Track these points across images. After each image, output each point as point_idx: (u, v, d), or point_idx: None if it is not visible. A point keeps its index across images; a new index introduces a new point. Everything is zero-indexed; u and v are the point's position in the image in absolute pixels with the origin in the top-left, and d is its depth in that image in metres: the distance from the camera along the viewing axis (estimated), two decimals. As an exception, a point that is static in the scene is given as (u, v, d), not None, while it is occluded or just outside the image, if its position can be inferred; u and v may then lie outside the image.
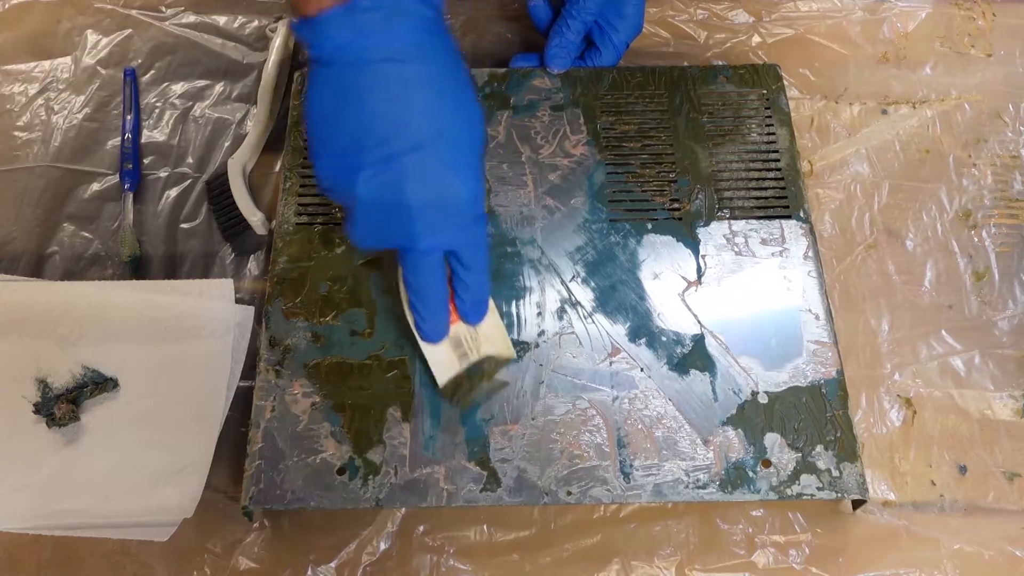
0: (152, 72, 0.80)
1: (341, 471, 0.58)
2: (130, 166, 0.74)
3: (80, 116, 0.78)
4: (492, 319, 0.59)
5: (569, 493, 0.57)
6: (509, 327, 0.63)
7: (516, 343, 0.62)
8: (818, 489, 0.57)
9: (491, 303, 0.59)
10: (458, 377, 0.59)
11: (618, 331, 0.63)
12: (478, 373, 0.59)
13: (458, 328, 0.59)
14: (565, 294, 0.64)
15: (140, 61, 0.80)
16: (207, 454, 0.60)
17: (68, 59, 0.81)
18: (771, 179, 0.69)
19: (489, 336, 0.59)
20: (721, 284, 0.65)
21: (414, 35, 0.50)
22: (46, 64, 0.81)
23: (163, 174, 0.74)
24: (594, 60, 0.75)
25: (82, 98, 0.79)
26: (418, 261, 0.54)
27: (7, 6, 0.84)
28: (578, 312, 0.64)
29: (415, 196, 0.50)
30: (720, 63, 0.79)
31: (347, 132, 0.50)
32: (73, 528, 0.59)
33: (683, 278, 0.65)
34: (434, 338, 0.58)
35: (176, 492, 0.59)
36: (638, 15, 0.74)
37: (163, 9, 0.83)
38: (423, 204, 0.51)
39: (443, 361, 0.59)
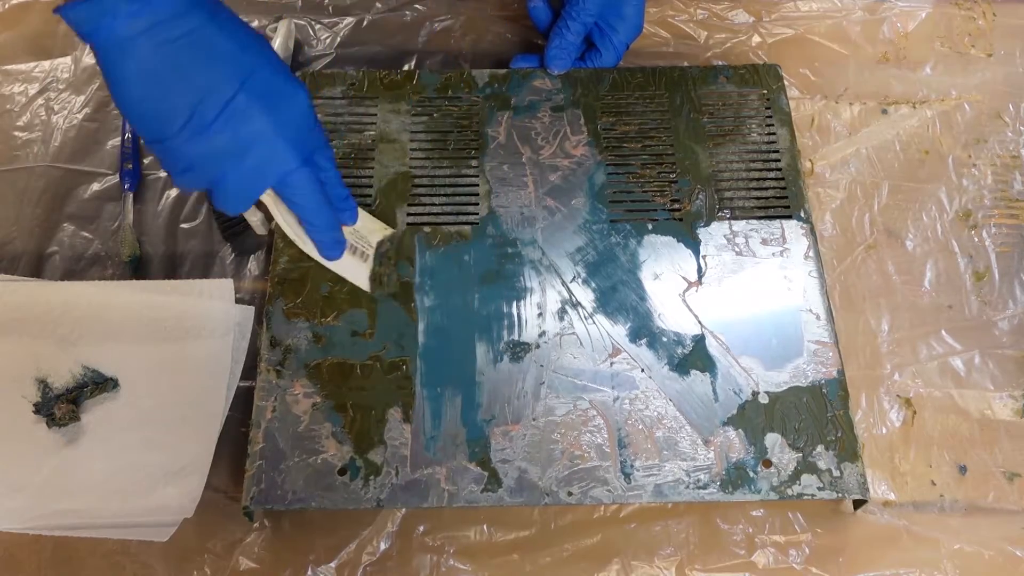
0: (152, 72, 0.80)
1: (342, 471, 0.58)
2: (130, 166, 0.74)
3: (80, 116, 0.77)
4: (360, 211, 0.64)
5: (570, 493, 0.57)
6: (510, 327, 0.63)
7: (516, 343, 0.62)
8: (819, 489, 0.57)
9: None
10: (372, 274, 0.64)
11: (619, 332, 0.63)
12: (382, 258, 0.65)
13: (344, 233, 0.63)
14: (566, 295, 0.64)
15: (140, 61, 0.80)
16: (207, 454, 0.60)
17: (68, 59, 0.81)
18: (771, 179, 0.70)
19: (368, 228, 0.65)
20: (722, 284, 0.65)
21: None
22: (46, 64, 0.81)
23: (163, 174, 0.74)
24: (594, 61, 0.75)
25: (82, 98, 0.78)
26: (300, 180, 0.55)
27: (7, 6, 0.84)
28: (579, 313, 0.64)
29: (269, 122, 0.52)
30: (720, 63, 0.79)
31: (173, 102, 0.50)
32: (73, 528, 0.59)
33: (684, 278, 0.65)
34: (338, 250, 0.62)
35: (176, 492, 0.59)
36: (638, 16, 0.74)
37: (163, 9, 0.83)
38: (276, 126, 0.52)
39: (355, 268, 0.64)
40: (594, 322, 0.63)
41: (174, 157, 0.51)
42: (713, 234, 0.67)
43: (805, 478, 0.58)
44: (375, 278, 0.64)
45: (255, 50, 0.52)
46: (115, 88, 0.50)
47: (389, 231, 0.65)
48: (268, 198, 0.58)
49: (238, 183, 0.53)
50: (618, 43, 0.74)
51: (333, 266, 0.63)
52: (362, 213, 0.64)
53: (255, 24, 0.82)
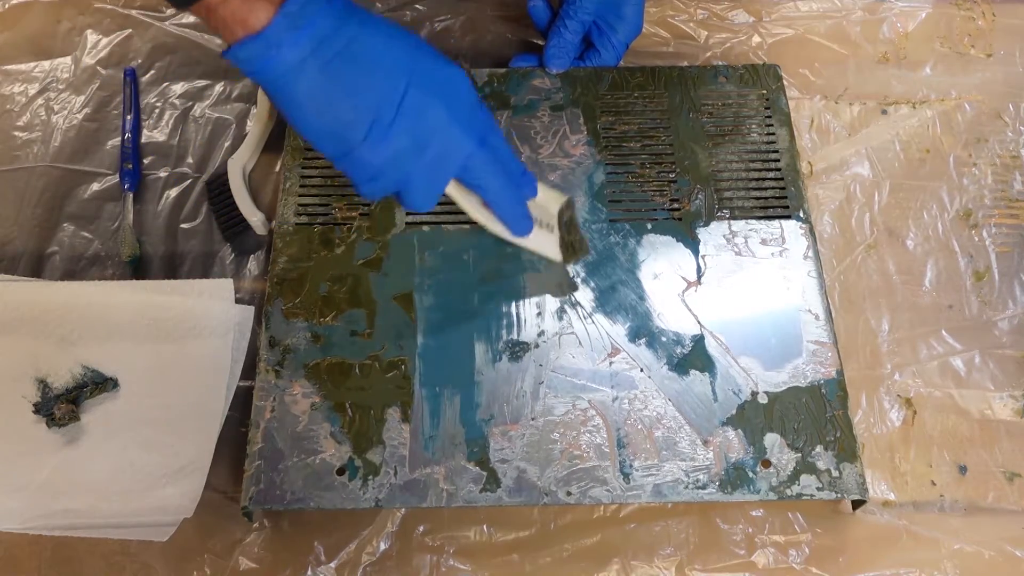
0: (152, 72, 0.80)
1: (341, 471, 0.58)
2: (130, 166, 0.74)
3: (80, 116, 0.78)
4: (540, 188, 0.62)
5: (569, 493, 0.57)
6: (509, 327, 0.63)
7: (515, 343, 0.62)
8: (818, 489, 0.57)
9: None
10: (561, 243, 0.63)
11: (618, 331, 0.63)
12: (567, 226, 0.63)
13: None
14: (565, 294, 0.64)
15: (140, 61, 0.80)
16: (207, 454, 0.60)
17: (68, 59, 0.81)
18: (771, 179, 0.69)
19: (546, 199, 0.62)
20: (721, 284, 0.65)
21: (343, 7, 0.51)
22: (46, 64, 0.81)
23: (163, 174, 0.74)
24: (593, 61, 0.75)
25: (82, 98, 0.79)
26: (480, 161, 0.55)
27: (7, 6, 0.84)
28: (578, 312, 0.64)
29: (442, 111, 0.52)
30: (720, 63, 0.79)
31: (352, 115, 0.51)
32: (73, 528, 0.59)
33: (683, 278, 0.65)
34: (528, 225, 0.61)
35: (176, 492, 0.59)
36: (637, 16, 0.74)
37: (163, 9, 0.83)
38: (449, 114, 0.53)
39: (545, 241, 0.63)
40: (593, 322, 0.63)
41: (361, 167, 0.52)
42: (712, 234, 0.67)
43: (804, 478, 0.58)
44: (564, 247, 0.63)
45: (409, 45, 0.53)
46: (293, 115, 0.51)
47: (564, 198, 0.63)
48: (451, 188, 0.58)
49: (424, 179, 0.54)
50: (617, 43, 0.74)
51: (525, 243, 0.62)
52: (540, 186, 0.63)
53: (255, 24, 0.82)
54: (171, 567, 0.59)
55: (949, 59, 0.80)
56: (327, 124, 0.51)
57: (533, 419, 0.60)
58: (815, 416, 0.60)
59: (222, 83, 0.79)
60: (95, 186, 0.74)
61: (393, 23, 0.54)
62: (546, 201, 0.62)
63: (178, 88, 0.79)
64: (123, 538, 0.59)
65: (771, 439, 0.59)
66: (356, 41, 0.50)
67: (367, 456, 0.58)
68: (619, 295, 0.64)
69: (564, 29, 0.73)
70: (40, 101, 0.78)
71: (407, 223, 0.67)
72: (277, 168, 0.74)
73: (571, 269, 0.65)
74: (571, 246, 0.63)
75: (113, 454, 0.61)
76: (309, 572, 0.58)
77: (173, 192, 0.74)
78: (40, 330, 0.65)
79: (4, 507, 0.59)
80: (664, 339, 0.63)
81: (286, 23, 0.48)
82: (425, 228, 0.67)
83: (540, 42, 0.77)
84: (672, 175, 0.70)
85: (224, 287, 0.66)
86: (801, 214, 0.68)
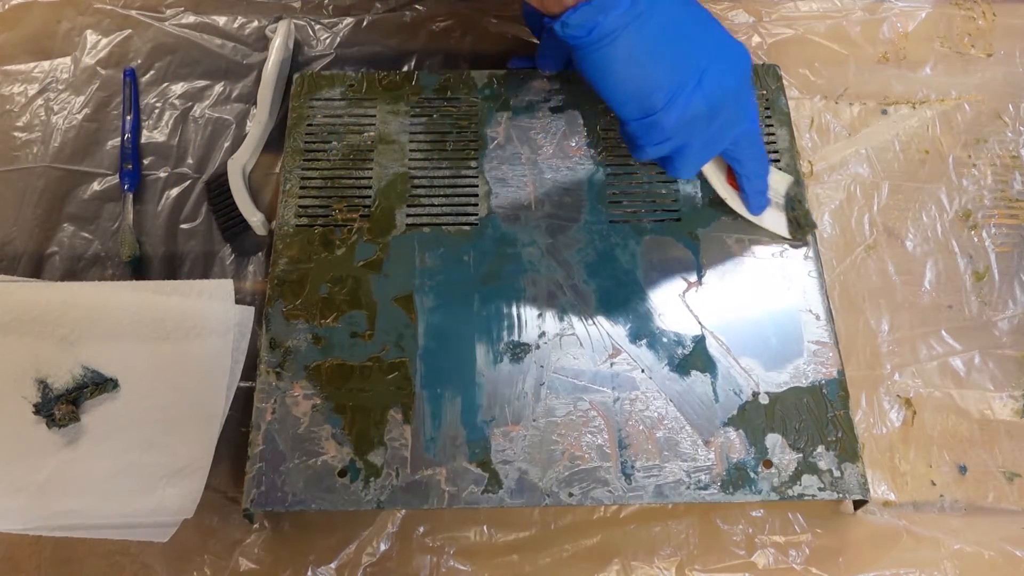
0: (152, 72, 0.80)
1: (342, 473, 0.58)
2: (130, 166, 0.74)
3: (80, 116, 0.77)
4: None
5: (570, 495, 0.57)
6: (510, 328, 0.63)
7: (516, 344, 0.62)
8: (819, 490, 0.57)
9: None
10: (789, 219, 0.67)
11: (619, 332, 0.63)
12: (793, 203, 0.67)
13: None
14: (566, 295, 0.64)
15: (140, 61, 0.80)
16: (207, 454, 0.60)
17: (68, 59, 0.81)
18: (771, 179, 0.69)
19: (774, 180, 0.66)
20: (721, 285, 0.65)
21: None
22: (46, 64, 0.81)
23: (163, 174, 0.74)
24: None
25: (82, 98, 0.78)
26: (751, 134, 0.61)
27: (7, 6, 0.84)
28: (579, 313, 0.64)
29: (736, 83, 0.58)
30: (720, 63, 0.78)
31: (660, 80, 0.56)
32: (73, 528, 0.59)
33: (683, 279, 0.65)
34: (765, 203, 0.66)
35: (176, 492, 0.59)
36: None
37: (163, 9, 0.83)
38: (741, 85, 0.59)
39: (775, 219, 0.67)
40: (594, 323, 0.63)
41: (656, 130, 0.57)
42: (713, 234, 0.67)
43: (805, 478, 0.58)
44: (792, 224, 0.67)
45: (709, 19, 0.59)
46: (602, 80, 0.57)
47: (790, 178, 0.67)
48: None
49: (701, 145, 0.59)
50: None
51: (759, 220, 0.66)
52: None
53: (255, 24, 0.82)
54: (171, 567, 0.59)
55: (949, 59, 0.80)
56: (634, 88, 0.56)
57: (534, 420, 0.60)
58: (816, 416, 0.60)
59: (222, 83, 0.79)
60: (95, 186, 0.74)
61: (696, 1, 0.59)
62: (775, 182, 0.66)
63: (178, 88, 0.79)
64: (123, 539, 0.59)
65: (772, 439, 0.59)
66: (666, 12, 0.56)
67: (368, 458, 0.58)
68: (620, 296, 0.64)
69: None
70: (40, 101, 0.78)
71: (407, 224, 0.67)
72: (277, 169, 0.74)
73: (571, 271, 0.65)
74: (796, 222, 0.67)
75: (113, 455, 0.61)
76: (309, 573, 0.58)
77: (173, 192, 0.74)
78: (40, 330, 0.65)
79: (4, 508, 0.59)
80: (665, 340, 0.63)
81: None
82: (425, 229, 0.67)
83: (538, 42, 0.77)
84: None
85: (224, 287, 0.66)
86: (801, 214, 0.68)
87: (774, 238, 0.67)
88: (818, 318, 0.64)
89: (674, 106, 0.56)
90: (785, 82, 0.75)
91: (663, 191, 0.69)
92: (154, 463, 0.60)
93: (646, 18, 0.55)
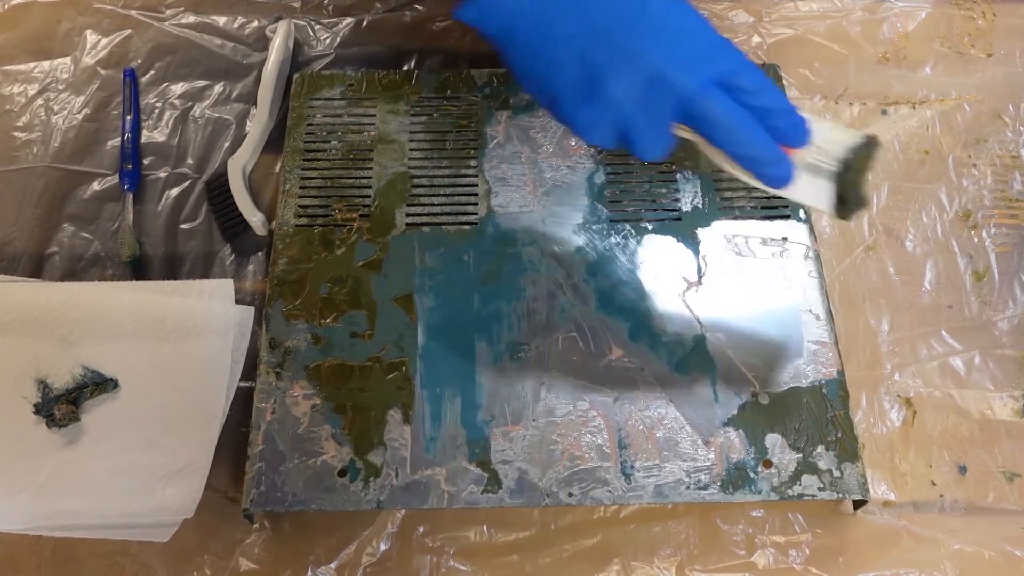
0: (152, 72, 0.80)
1: (342, 473, 0.58)
2: (130, 166, 0.74)
3: (80, 116, 0.77)
4: (817, 123, 0.53)
5: (570, 494, 0.57)
6: (510, 328, 0.63)
7: (516, 344, 0.62)
8: (819, 490, 0.57)
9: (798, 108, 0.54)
10: (840, 192, 0.54)
11: (619, 332, 0.63)
12: (850, 173, 0.54)
13: (798, 155, 0.53)
14: (566, 295, 0.64)
15: (140, 61, 0.80)
16: (207, 454, 0.60)
17: (68, 59, 0.81)
18: (771, 179, 0.69)
19: (829, 138, 0.54)
20: (721, 284, 0.65)
21: None
22: (46, 64, 0.81)
23: (163, 174, 0.74)
24: None
25: (82, 98, 0.78)
26: (706, 105, 0.50)
27: (7, 6, 0.84)
28: (578, 313, 0.63)
29: (658, 51, 0.50)
30: (720, 63, 0.78)
31: (571, 64, 0.51)
32: (74, 529, 0.59)
33: (683, 278, 0.65)
34: (787, 174, 0.53)
35: (176, 492, 0.59)
36: None
37: (163, 9, 0.83)
38: (666, 53, 0.50)
39: (815, 191, 0.54)
40: (594, 322, 0.63)
41: (575, 117, 0.52)
42: (713, 234, 0.67)
43: (805, 478, 0.58)
44: (843, 198, 0.53)
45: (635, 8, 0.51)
46: (517, 70, 0.53)
47: (855, 138, 0.54)
48: (689, 135, 0.53)
49: (645, 125, 0.51)
50: None
51: (787, 193, 0.53)
52: (824, 124, 0.54)
53: (255, 24, 0.82)
54: (171, 567, 0.59)
55: (949, 59, 0.80)
56: (539, 73, 0.52)
57: (534, 420, 0.60)
58: (816, 416, 0.60)
59: (222, 83, 0.79)
60: (95, 186, 0.74)
61: None
62: (831, 142, 0.53)
63: (178, 88, 0.79)
64: (123, 539, 0.59)
65: (772, 439, 0.59)
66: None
67: (368, 458, 0.58)
68: (620, 295, 0.64)
69: None
70: (40, 101, 0.78)
71: (407, 224, 0.67)
72: (277, 169, 0.74)
73: (572, 271, 0.65)
74: (843, 199, 0.54)
75: (113, 454, 0.61)
76: (309, 573, 0.58)
77: (173, 192, 0.74)
78: (40, 331, 0.65)
79: (5, 508, 0.59)
80: (665, 339, 0.63)
81: None
82: (425, 229, 0.67)
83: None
84: (672, 175, 0.70)
85: (224, 287, 0.66)
86: (801, 214, 0.68)
87: (782, 230, 0.66)
88: (818, 318, 0.64)
89: (585, 90, 0.51)
90: (785, 82, 0.75)
91: (663, 191, 0.69)
92: (154, 463, 0.60)
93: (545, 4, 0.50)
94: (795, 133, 0.53)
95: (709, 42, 0.52)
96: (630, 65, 0.50)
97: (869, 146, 0.54)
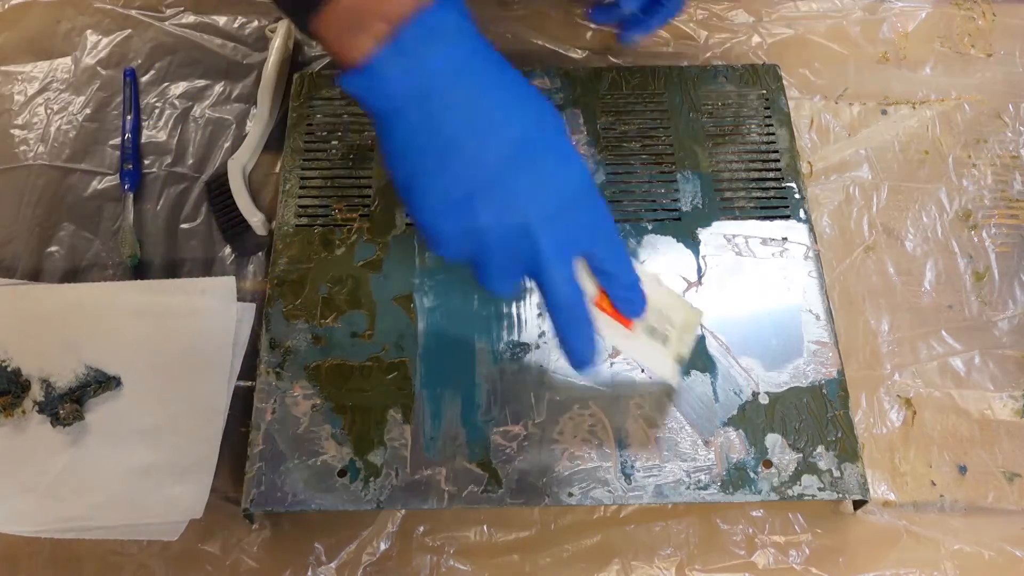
0: (152, 72, 0.80)
1: (342, 473, 0.58)
2: (130, 166, 0.74)
3: (80, 116, 0.78)
4: (658, 290, 0.55)
5: (570, 494, 0.57)
6: (510, 328, 0.63)
7: (517, 344, 0.62)
8: (819, 490, 0.57)
9: (644, 273, 0.55)
10: (676, 357, 0.57)
11: (619, 332, 0.63)
12: (680, 336, 0.57)
13: (639, 319, 0.55)
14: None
15: (140, 61, 0.80)
16: (213, 452, 0.60)
17: (68, 59, 0.81)
18: (771, 179, 0.70)
19: (670, 305, 0.56)
20: (722, 285, 0.65)
21: (462, 50, 0.47)
22: (46, 64, 0.81)
23: (163, 174, 0.74)
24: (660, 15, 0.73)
25: (82, 98, 0.78)
26: (552, 273, 0.49)
27: (7, 6, 0.84)
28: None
29: (533, 203, 0.48)
30: (720, 63, 0.79)
31: (443, 175, 0.47)
32: (85, 531, 0.59)
33: (683, 278, 0.65)
34: (587, 362, 0.52)
35: (184, 491, 0.59)
36: None
37: (163, 9, 0.83)
38: (539, 207, 0.48)
39: (656, 355, 0.56)
40: (594, 323, 0.63)
41: (436, 230, 0.48)
42: (713, 234, 0.67)
43: (805, 479, 0.58)
44: (680, 361, 0.58)
45: (531, 111, 0.49)
46: (386, 158, 0.48)
47: (693, 314, 0.58)
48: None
49: (497, 265, 0.49)
50: None
51: (628, 352, 0.57)
52: (660, 290, 0.57)
53: (255, 24, 0.82)
54: (171, 567, 0.59)
55: (949, 59, 0.80)
56: (413, 178, 0.48)
57: (534, 420, 0.60)
58: (816, 416, 0.60)
59: (222, 83, 0.79)
60: (95, 186, 0.74)
61: (521, 81, 0.49)
62: (669, 307, 0.57)
63: (178, 88, 0.79)
64: (134, 538, 0.59)
65: (772, 439, 0.59)
66: (470, 90, 0.47)
67: (368, 458, 0.58)
68: (620, 296, 0.64)
69: None
70: (40, 101, 0.78)
71: (407, 224, 0.67)
72: (277, 169, 0.74)
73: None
74: (681, 360, 0.58)
75: (120, 454, 0.61)
76: (309, 572, 0.58)
77: (173, 192, 0.74)
78: (43, 331, 0.65)
79: (15, 509, 0.59)
80: (665, 340, 0.63)
81: (392, 60, 0.46)
82: (425, 229, 0.67)
83: (542, 51, 0.78)
84: (672, 175, 0.70)
85: (226, 285, 0.67)
86: (801, 214, 0.68)
87: (771, 244, 0.67)
88: (818, 318, 0.64)
89: (452, 206, 0.47)
90: (785, 82, 0.75)
91: (663, 191, 0.69)
92: (161, 461, 0.61)
93: (437, 93, 0.46)
94: (632, 306, 0.54)
95: (579, 194, 0.50)
96: (506, 205, 0.47)
97: (695, 314, 0.59)
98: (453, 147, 0.47)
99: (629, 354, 0.57)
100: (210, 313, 0.66)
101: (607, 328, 0.54)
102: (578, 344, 0.52)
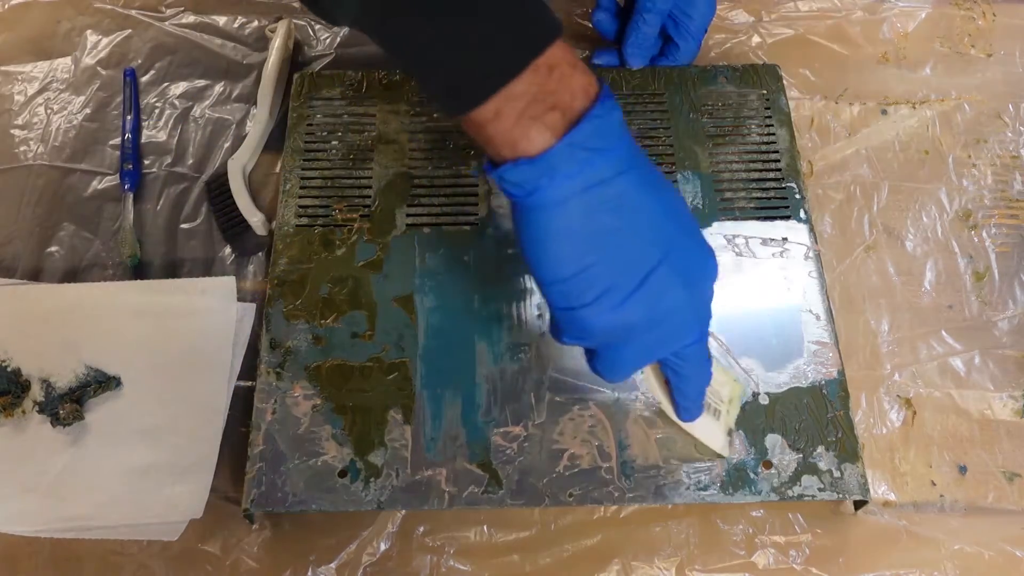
0: (152, 72, 0.80)
1: (342, 474, 0.58)
2: (130, 166, 0.74)
3: (80, 116, 0.77)
4: (714, 368, 0.58)
5: (571, 495, 0.57)
6: (510, 329, 0.63)
7: (517, 344, 0.62)
8: (819, 490, 0.57)
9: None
10: (727, 430, 0.59)
11: (619, 332, 0.63)
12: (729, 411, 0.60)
13: None
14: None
15: (140, 61, 0.80)
16: (213, 452, 0.60)
17: (68, 59, 0.81)
18: (771, 180, 0.70)
19: (720, 381, 0.59)
20: (722, 285, 0.64)
21: (628, 147, 0.48)
22: (46, 64, 0.81)
23: (163, 174, 0.74)
24: (672, 57, 0.74)
25: (82, 98, 0.78)
26: (695, 352, 0.53)
27: (7, 6, 0.84)
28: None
29: (685, 296, 0.50)
30: (720, 63, 0.79)
31: (594, 271, 0.48)
32: (86, 530, 0.59)
33: (683, 279, 0.65)
34: (697, 414, 0.58)
35: (184, 490, 0.59)
36: (710, 1, 0.73)
37: (163, 9, 0.83)
38: (690, 300, 0.50)
39: (710, 429, 0.59)
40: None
41: (576, 325, 0.49)
42: (713, 234, 0.67)
43: (805, 479, 0.58)
44: (730, 433, 0.59)
45: (677, 216, 0.50)
46: (532, 248, 0.48)
47: (740, 390, 0.60)
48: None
49: (635, 353, 0.51)
50: (695, 30, 0.73)
51: (687, 427, 0.59)
52: (715, 368, 0.58)
53: (255, 24, 0.82)
54: (171, 567, 0.59)
55: (949, 59, 0.80)
56: (565, 271, 0.48)
57: (534, 420, 0.60)
58: (816, 417, 0.60)
59: (222, 83, 0.79)
60: (95, 186, 0.74)
61: (670, 187, 0.51)
62: (719, 383, 0.59)
63: (178, 88, 0.79)
64: (134, 538, 0.59)
65: (772, 440, 0.59)
66: (628, 196, 0.47)
67: (368, 458, 0.58)
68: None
69: (643, 24, 0.72)
70: (40, 101, 0.78)
71: (407, 225, 0.67)
72: (277, 169, 0.74)
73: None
74: (731, 433, 0.60)
75: (120, 453, 0.61)
76: (309, 573, 0.58)
77: (173, 192, 0.74)
78: (43, 331, 0.65)
79: (16, 509, 0.59)
80: (665, 340, 0.63)
81: (568, 153, 0.46)
82: (426, 230, 0.67)
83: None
84: (672, 176, 0.70)
85: (226, 284, 0.67)
86: (801, 214, 0.68)
87: (769, 257, 0.67)
88: (818, 318, 0.64)
89: (605, 305, 0.48)
90: (785, 82, 0.75)
91: (663, 191, 0.69)
92: (161, 461, 0.61)
93: (597, 194, 0.47)
94: (688, 416, 0.58)
95: (711, 289, 0.52)
96: (661, 300, 0.49)
97: (740, 388, 0.60)
98: (618, 242, 0.48)
99: (686, 428, 0.59)
100: (210, 313, 0.66)
101: (667, 404, 0.58)
102: (699, 402, 0.57)
